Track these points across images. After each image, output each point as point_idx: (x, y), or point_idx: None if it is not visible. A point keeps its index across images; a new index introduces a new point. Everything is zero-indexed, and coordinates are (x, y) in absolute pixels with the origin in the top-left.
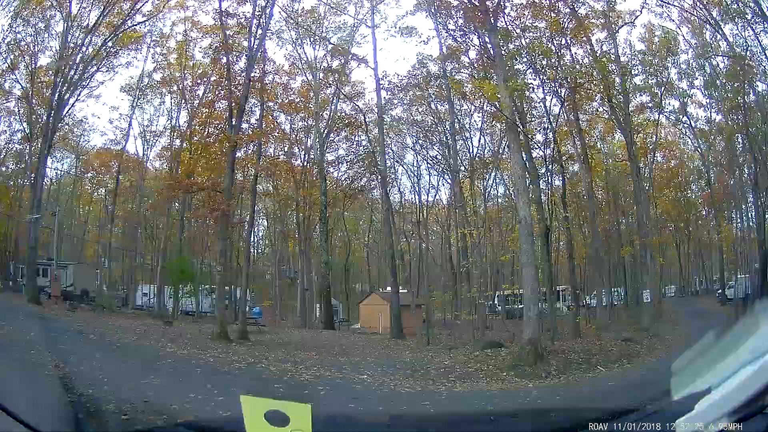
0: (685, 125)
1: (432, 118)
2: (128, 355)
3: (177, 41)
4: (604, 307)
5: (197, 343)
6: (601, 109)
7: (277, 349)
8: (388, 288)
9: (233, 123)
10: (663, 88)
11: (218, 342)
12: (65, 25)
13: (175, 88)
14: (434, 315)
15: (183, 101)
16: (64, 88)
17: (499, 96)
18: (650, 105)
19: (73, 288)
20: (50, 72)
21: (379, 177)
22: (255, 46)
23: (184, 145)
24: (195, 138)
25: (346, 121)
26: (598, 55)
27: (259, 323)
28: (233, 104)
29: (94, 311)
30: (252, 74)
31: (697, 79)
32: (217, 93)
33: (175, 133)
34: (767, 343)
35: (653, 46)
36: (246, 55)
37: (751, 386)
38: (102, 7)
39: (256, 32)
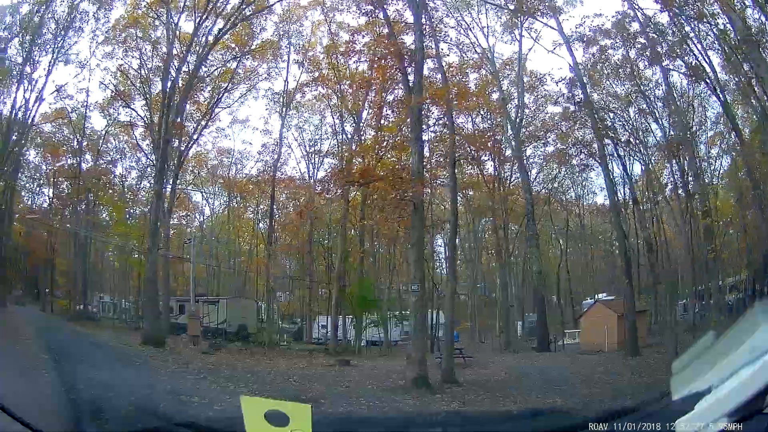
0: None
1: None
2: None
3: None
4: None
5: (381, 398)
6: None
7: (506, 397)
8: (600, 295)
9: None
10: None
11: (415, 390)
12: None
13: (334, 100)
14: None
15: (345, 108)
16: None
17: None
18: None
19: (226, 324)
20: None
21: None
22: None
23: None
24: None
25: None
26: None
27: (465, 354)
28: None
29: (246, 350)
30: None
31: None
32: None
33: (345, 150)
34: (767, 343)
35: None
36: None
37: (751, 386)
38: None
39: None
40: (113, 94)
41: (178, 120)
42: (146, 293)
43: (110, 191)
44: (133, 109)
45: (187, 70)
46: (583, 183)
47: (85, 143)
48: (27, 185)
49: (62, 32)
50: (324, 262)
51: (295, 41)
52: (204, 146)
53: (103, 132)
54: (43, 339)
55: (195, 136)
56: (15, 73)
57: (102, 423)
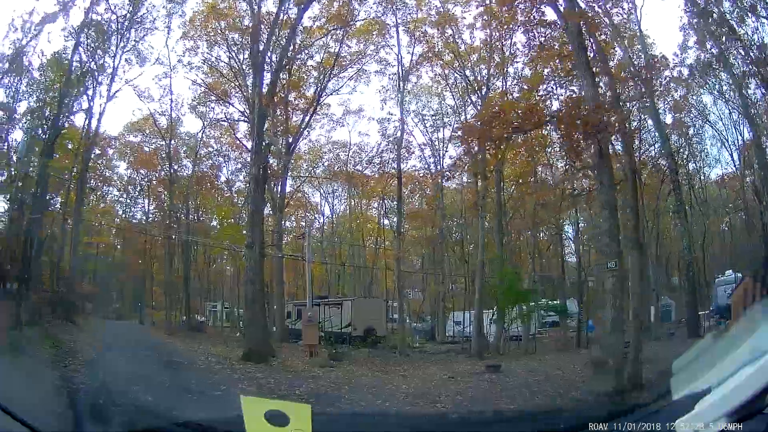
0: None
1: None
2: None
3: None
4: None
5: None
6: None
7: None
8: (728, 272)
9: None
10: None
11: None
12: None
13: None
14: None
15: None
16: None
17: None
18: None
19: (351, 328)
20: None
21: None
22: None
23: None
24: None
25: None
26: None
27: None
28: None
29: (375, 359)
30: None
31: None
32: None
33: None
34: (767, 343)
35: None
36: None
37: (751, 386)
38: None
39: None
40: (205, 89)
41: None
42: (247, 298)
43: (215, 194)
44: (230, 104)
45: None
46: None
47: (183, 149)
48: (122, 198)
49: (130, 27)
50: (456, 253)
51: (402, 16)
52: (317, 141)
53: (200, 134)
54: (108, 357)
55: (303, 126)
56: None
57: (102, 423)
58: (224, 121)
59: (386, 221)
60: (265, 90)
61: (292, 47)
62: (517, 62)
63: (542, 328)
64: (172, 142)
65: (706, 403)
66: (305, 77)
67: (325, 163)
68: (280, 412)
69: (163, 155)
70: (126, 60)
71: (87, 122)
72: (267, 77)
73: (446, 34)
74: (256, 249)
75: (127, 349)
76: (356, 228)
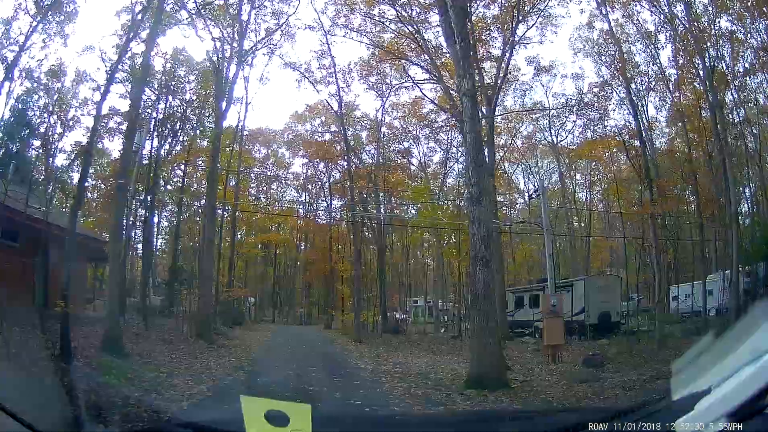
0: None
1: None
2: None
3: None
4: None
5: None
6: None
7: None
8: None
9: None
10: None
11: None
12: None
13: None
14: None
15: None
16: None
17: None
18: None
19: (584, 316)
20: None
21: None
22: None
23: None
24: None
25: None
26: None
27: None
28: None
29: (651, 360)
30: None
31: None
32: None
33: None
34: (767, 343)
35: None
36: None
37: (751, 386)
38: None
39: None
40: (376, 53)
41: None
42: (474, 286)
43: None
44: (413, 63)
45: None
46: None
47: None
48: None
49: None
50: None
51: None
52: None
53: (379, 113)
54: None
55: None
56: None
57: (102, 423)
58: (420, 82)
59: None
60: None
61: None
62: None
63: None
64: (349, 130)
65: (706, 403)
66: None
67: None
68: (280, 412)
69: (341, 145)
70: (266, 30)
71: (243, 110)
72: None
73: None
74: (487, 205)
75: (290, 363)
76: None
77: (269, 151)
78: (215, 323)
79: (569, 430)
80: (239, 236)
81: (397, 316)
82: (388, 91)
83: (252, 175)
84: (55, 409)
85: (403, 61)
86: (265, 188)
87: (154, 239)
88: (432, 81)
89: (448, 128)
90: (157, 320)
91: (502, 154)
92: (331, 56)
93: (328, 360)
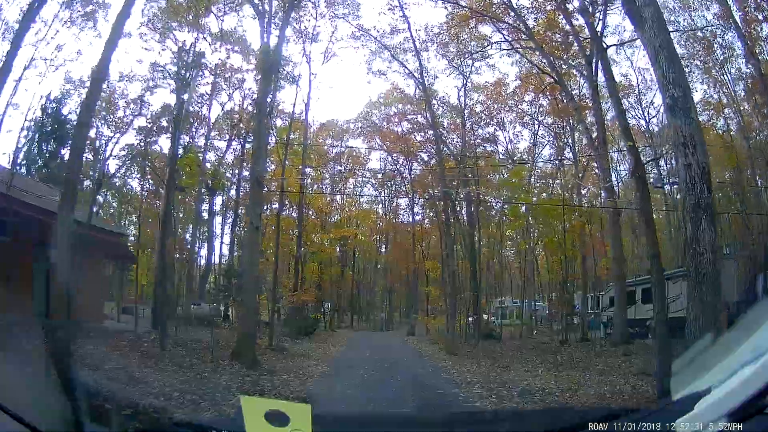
0: None
1: None
2: None
3: None
4: None
5: None
6: None
7: None
8: None
9: None
10: None
11: None
12: None
13: None
14: None
15: None
16: None
17: None
18: None
19: (686, 312)
20: None
21: None
22: None
23: None
24: None
25: None
26: None
27: None
28: None
29: None
30: None
31: None
32: None
33: None
34: (767, 343)
35: None
36: None
37: (751, 386)
38: None
39: None
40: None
41: None
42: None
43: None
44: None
45: None
46: None
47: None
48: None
49: None
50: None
51: None
52: None
53: (461, 92)
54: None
55: None
56: None
57: (102, 423)
58: (517, 48)
59: None
60: None
61: None
62: None
63: None
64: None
65: (706, 403)
66: None
67: None
68: (280, 412)
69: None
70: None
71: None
72: None
73: None
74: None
75: (361, 401)
76: None
77: (341, 143)
78: (273, 335)
79: (569, 430)
80: (314, 239)
81: (487, 318)
82: (472, 57)
83: (323, 170)
84: (55, 409)
85: (487, 24)
86: (341, 186)
87: (213, 242)
88: (530, 48)
89: (536, 109)
90: (198, 332)
91: None
92: (405, 18)
93: (419, 390)
